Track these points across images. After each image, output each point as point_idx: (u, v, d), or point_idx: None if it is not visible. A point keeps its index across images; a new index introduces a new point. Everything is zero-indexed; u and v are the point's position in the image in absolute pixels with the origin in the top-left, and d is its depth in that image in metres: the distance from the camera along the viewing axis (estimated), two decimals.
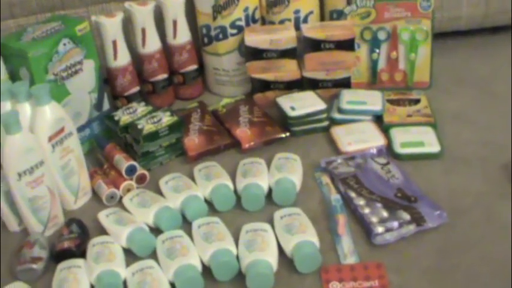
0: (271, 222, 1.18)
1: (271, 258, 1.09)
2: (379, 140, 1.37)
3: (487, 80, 1.60)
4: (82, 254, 1.15)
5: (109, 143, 1.41)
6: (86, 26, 1.40)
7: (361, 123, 1.44)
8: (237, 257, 1.10)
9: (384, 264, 1.09)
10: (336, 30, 1.50)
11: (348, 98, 1.49)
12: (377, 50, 1.56)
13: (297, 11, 1.56)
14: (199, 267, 1.09)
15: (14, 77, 1.33)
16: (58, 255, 1.15)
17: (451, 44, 1.71)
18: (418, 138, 1.36)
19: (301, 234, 1.12)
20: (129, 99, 1.53)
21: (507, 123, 1.40)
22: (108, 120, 1.44)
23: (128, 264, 1.13)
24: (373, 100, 1.48)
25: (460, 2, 1.69)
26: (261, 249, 1.10)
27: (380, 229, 1.13)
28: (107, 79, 1.53)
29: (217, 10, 1.53)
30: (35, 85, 1.25)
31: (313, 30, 1.51)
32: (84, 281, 1.09)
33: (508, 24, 1.75)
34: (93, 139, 1.46)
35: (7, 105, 1.23)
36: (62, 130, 1.23)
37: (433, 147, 1.34)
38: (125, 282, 1.10)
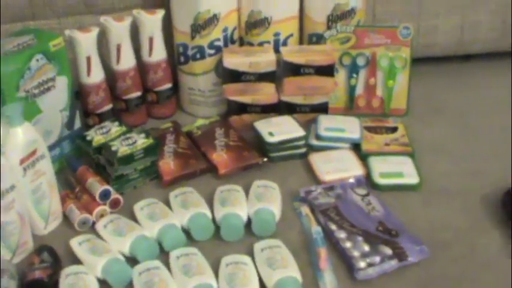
0: (250, 253, 1.15)
1: None
2: (358, 170, 1.36)
3: (461, 108, 1.61)
4: (54, 285, 1.10)
5: (81, 165, 1.36)
6: (60, 41, 1.35)
7: (339, 151, 1.42)
8: None
9: None
10: (316, 55, 1.49)
11: (326, 124, 1.47)
12: (355, 76, 1.55)
13: (277, 34, 1.55)
14: None
15: None
16: (29, 286, 1.10)
17: (425, 70, 1.71)
18: (397, 169, 1.35)
19: (283, 269, 1.09)
20: (101, 117, 1.49)
21: (482, 153, 1.41)
22: (80, 140, 1.39)
23: None
24: (351, 127, 1.47)
25: (436, 29, 1.71)
26: (242, 285, 1.07)
27: (362, 264, 1.11)
28: (77, 92, 1.48)
29: (196, 29, 1.50)
30: (7, 105, 1.20)
31: (293, 54, 1.50)
32: None
33: (479, 53, 1.78)
34: (63, 159, 1.41)
35: None
36: (34, 152, 1.18)
37: (412, 178, 1.33)
38: None
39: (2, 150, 1.13)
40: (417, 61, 1.62)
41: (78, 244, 1.18)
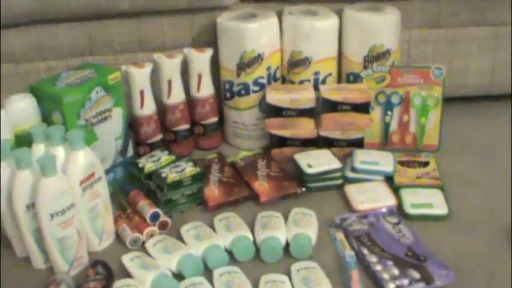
0: (288, 274, 1.23)
1: None
2: (391, 200, 1.44)
3: (490, 145, 1.68)
4: None
5: (133, 189, 1.47)
6: (118, 75, 1.47)
7: (373, 183, 1.50)
8: None
9: None
10: (353, 93, 1.59)
11: (361, 157, 1.56)
12: (390, 113, 1.64)
13: (316, 73, 1.64)
14: None
15: (46, 119, 1.39)
16: None
17: (457, 109, 1.79)
18: (427, 200, 1.43)
19: (317, 287, 1.18)
20: (152, 146, 1.60)
21: (508, 187, 1.48)
22: (133, 166, 1.51)
23: None
24: (385, 161, 1.55)
25: (468, 70, 1.80)
26: None
27: (391, 286, 1.19)
28: (130, 124, 1.59)
29: (242, 67, 1.61)
30: (71, 131, 1.31)
31: (331, 92, 1.59)
32: None
33: (509, 93, 1.85)
34: (115, 184, 1.52)
35: (41, 148, 1.29)
36: (92, 175, 1.29)
37: (441, 209, 1.41)
38: None
39: (63, 171, 1.25)
40: (449, 100, 1.70)
41: (129, 260, 1.29)
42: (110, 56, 1.68)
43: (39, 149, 1.29)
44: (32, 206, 1.23)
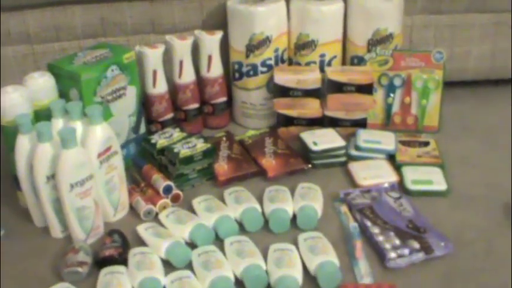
0: (295, 243, 1.30)
1: (298, 274, 1.21)
2: (392, 177, 1.50)
3: (488, 127, 1.74)
4: (123, 262, 1.25)
5: (146, 164, 1.53)
6: (132, 55, 1.53)
7: (375, 160, 1.57)
8: (266, 272, 1.22)
9: (396, 285, 1.20)
10: (357, 75, 1.64)
11: (365, 137, 1.62)
12: (392, 95, 1.70)
13: (322, 55, 1.70)
14: (232, 279, 1.21)
15: (63, 96, 1.44)
16: (102, 262, 1.26)
17: (457, 93, 1.85)
18: (427, 177, 1.49)
19: (323, 254, 1.24)
20: (163, 124, 1.66)
21: (505, 166, 1.54)
22: (146, 142, 1.57)
23: (165, 273, 1.24)
24: (387, 140, 1.61)
25: (468, 55, 1.85)
26: (288, 266, 1.22)
27: (393, 254, 1.26)
28: (143, 103, 1.64)
29: (250, 49, 1.66)
30: (90, 106, 1.37)
31: (336, 73, 1.65)
32: (126, 285, 1.21)
33: (509, 78, 1.91)
34: (129, 159, 1.58)
35: (60, 122, 1.35)
36: (109, 148, 1.35)
37: (441, 185, 1.47)
38: None
39: (82, 144, 1.31)
40: (450, 84, 1.76)
41: (144, 229, 1.35)
42: (122, 38, 1.73)
43: (58, 124, 1.35)
44: (52, 177, 1.29)
